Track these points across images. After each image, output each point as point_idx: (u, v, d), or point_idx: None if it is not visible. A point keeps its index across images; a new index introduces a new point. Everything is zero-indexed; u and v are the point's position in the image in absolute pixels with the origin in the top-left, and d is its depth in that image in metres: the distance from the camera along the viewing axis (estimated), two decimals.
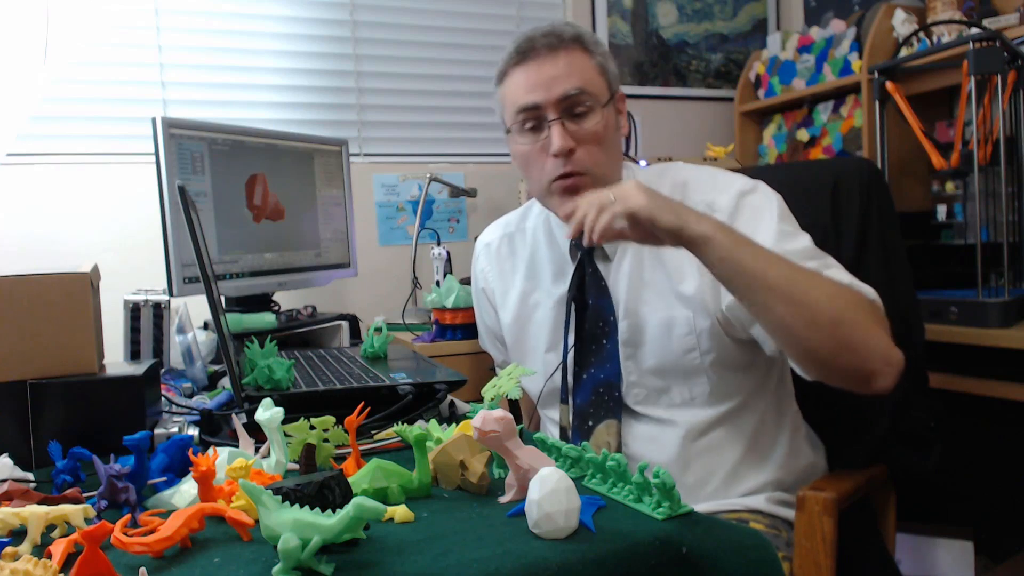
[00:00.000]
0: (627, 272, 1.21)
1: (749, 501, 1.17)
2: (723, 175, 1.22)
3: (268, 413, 0.84)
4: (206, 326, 1.75)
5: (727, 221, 1.11)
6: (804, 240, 1.12)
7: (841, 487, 1.15)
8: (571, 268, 1.27)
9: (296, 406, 1.06)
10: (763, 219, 1.13)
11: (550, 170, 1.17)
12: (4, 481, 0.80)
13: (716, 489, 1.17)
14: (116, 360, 1.19)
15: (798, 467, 1.23)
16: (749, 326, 1.13)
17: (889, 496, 1.33)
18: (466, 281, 1.99)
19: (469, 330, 1.84)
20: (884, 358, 1.00)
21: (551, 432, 1.33)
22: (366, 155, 2.41)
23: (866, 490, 1.26)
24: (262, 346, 1.20)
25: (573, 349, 1.25)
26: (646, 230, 0.98)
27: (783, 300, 0.97)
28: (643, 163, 2.17)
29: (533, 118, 1.18)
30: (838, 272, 1.08)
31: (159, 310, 1.49)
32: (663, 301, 1.18)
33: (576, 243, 1.25)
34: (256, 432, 0.95)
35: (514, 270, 1.37)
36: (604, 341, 1.21)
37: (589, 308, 1.23)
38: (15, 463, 0.91)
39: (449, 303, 1.82)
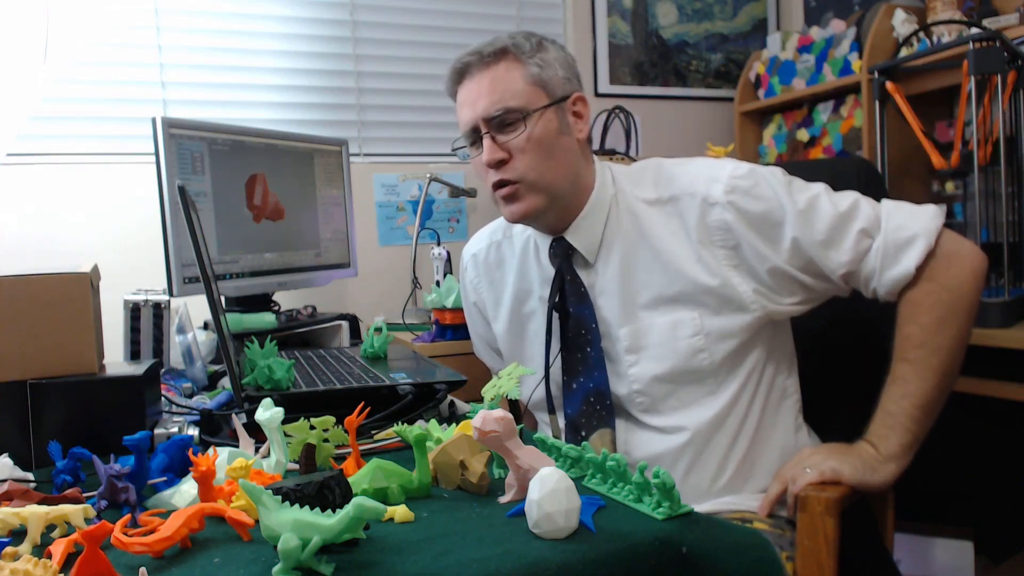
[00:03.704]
0: (617, 277, 1.19)
1: (752, 502, 1.17)
2: (702, 165, 1.19)
3: (268, 413, 0.84)
4: (206, 326, 1.75)
5: (732, 215, 1.13)
6: (825, 205, 1.13)
7: (843, 487, 1.14)
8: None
9: (296, 406, 1.06)
10: (772, 207, 1.13)
11: (490, 178, 1.20)
12: (4, 481, 0.80)
13: (718, 493, 1.17)
14: (116, 360, 1.19)
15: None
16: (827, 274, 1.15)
17: (887, 495, 1.33)
18: None
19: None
20: (979, 292, 1.14)
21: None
22: (366, 155, 2.41)
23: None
24: (262, 346, 1.20)
25: (560, 357, 1.24)
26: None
27: (945, 394, 1.12)
28: None
29: (473, 134, 1.20)
30: (890, 215, 1.13)
31: (159, 310, 1.49)
32: (664, 303, 1.17)
33: (553, 249, 1.24)
34: (256, 432, 0.95)
35: (504, 279, 1.35)
36: (588, 349, 1.20)
37: (571, 316, 1.22)
38: (15, 463, 0.91)
39: (449, 303, 1.82)
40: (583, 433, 1.20)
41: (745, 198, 1.13)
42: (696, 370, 1.16)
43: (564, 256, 1.23)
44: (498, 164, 1.16)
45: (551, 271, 1.26)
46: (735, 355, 1.17)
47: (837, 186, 1.18)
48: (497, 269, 1.37)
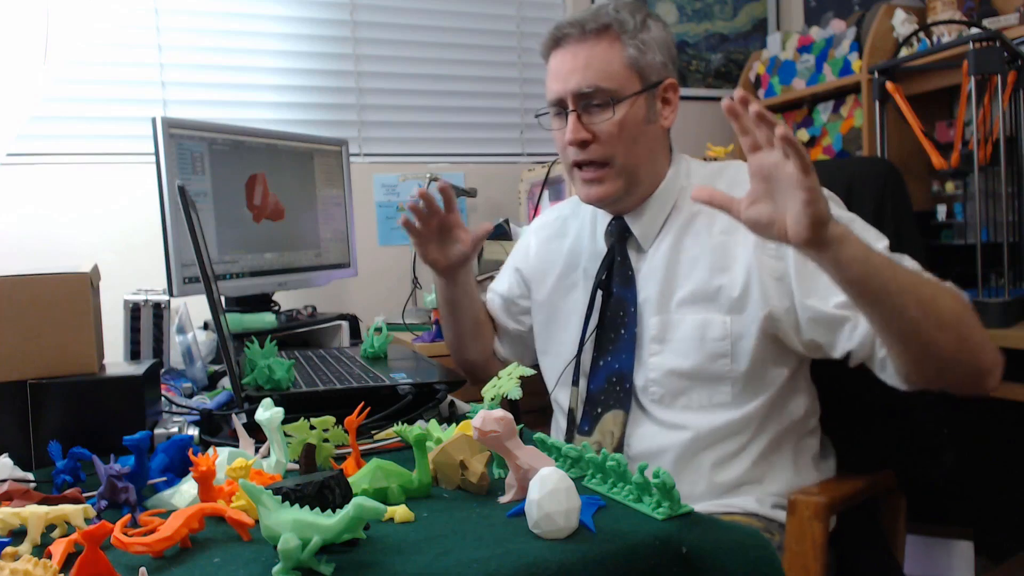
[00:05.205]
0: (662, 267, 1.20)
1: (744, 503, 1.15)
2: None
3: (268, 413, 0.84)
4: (206, 326, 1.74)
5: None
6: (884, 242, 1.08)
7: (836, 492, 1.13)
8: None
9: (296, 406, 1.06)
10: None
11: (570, 155, 1.21)
12: (4, 481, 0.80)
13: (711, 496, 1.16)
14: (116, 360, 1.19)
15: (798, 486, 1.18)
16: (830, 336, 1.08)
17: (899, 501, 1.30)
18: None
19: None
20: (995, 356, 1.01)
21: (559, 420, 1.33)
22: (366, 155, 2.41)
23: (871, 494, 1.24)
24: (262, 346, 1.20)
25: (594, 334, 1.25)
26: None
27: (914, 303, 0.93)
28: None
29: (559, 105, 1.21)
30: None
31: (159, 310, 1.49)
32: (699, 302, 1.16)
33: (611, 228, 1.26)
34: (256, 432, 0.95)
35: (560, 248, 1.37)
36: (622, 331, 1.21)
37: (613, 296, 1.24)
38: (15, 463, 0.90)
39: None
40: (599, 410, 1.21)
41: None
42: (715, 375, 1.15)
43: (620, 237, 1.25)
44: (580, 144, 1.17)
45: (602, 249, 1.28)
46: (758, 371, 1.14)
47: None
48: (556, 239, 1.39)
